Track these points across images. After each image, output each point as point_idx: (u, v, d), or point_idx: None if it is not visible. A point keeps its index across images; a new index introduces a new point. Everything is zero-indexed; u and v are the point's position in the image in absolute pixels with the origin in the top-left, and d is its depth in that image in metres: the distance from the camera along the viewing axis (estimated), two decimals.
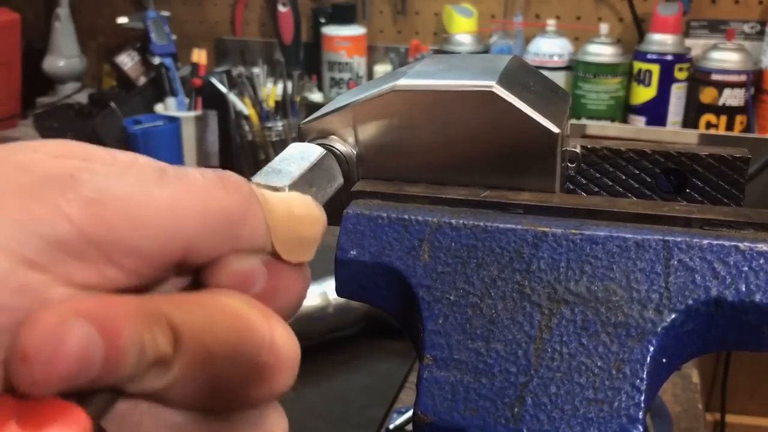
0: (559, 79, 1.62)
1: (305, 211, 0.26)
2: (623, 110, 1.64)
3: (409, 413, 0.82)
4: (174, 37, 1.82)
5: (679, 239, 0.31)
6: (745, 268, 0.30)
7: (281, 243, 0.25)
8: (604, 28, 1.61)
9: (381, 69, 1.78)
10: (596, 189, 0.39)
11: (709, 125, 1.56)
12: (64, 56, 1.88)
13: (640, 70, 1.59)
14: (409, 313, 0.34)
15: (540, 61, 1.63)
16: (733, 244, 0.31)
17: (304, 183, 0.32)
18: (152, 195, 0.23)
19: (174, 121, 1.71)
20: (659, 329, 0.30)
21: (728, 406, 1.37)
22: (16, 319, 0.20)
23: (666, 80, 1.57)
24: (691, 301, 0.30)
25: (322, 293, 0.94)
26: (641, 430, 0.29)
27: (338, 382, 0.91)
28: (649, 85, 1.58)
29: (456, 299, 0.32)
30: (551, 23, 1.65)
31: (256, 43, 1.91)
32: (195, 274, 0.25)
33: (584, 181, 0.39)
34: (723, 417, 1.38)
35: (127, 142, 1.64)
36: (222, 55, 1.93)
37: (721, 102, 1.55)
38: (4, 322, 0.21)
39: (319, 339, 0.97)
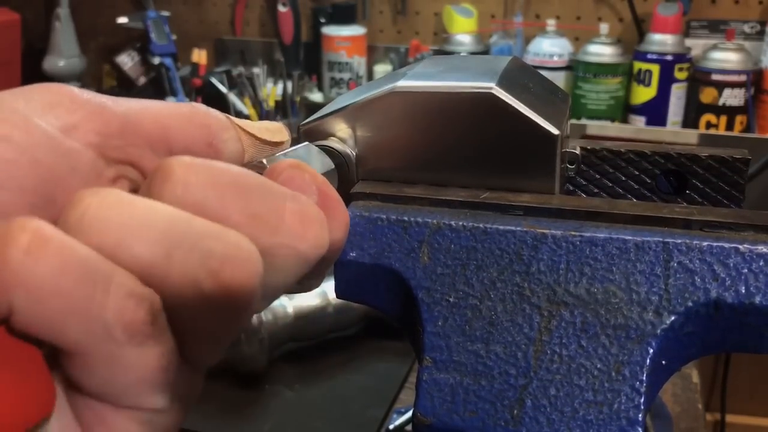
0: (559, 79, 1.62)
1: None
2: (623, 110, 1.64)
3: (409, 413, 0.82)
4: (174, 37, 1.82)
5: (678, 241, 0.31)
6: (745, 270, 0.30)
7: (250, 126, 0.30)
8: (604, 28, 1.61)
9: (381, 69, 1.78)
10: (596, 190, 0.39)
11: (709, 125, 1.56)
12: (64, 56, 1.88)
13: (640, 70, 1.59)
14: (409, 314, 0.34)
15: (540, 61, 1.63)
16: (733, 246, 0.31)
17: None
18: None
19: None
20: (659, 331, 0.30)
21: (728, 406, 1.37)
22: (28, 155, 0.23)
23: (666, 80, 1.57)
24: (690, 303, 0.30)
25: (322, 293, 0.94)
26: None
27: (338, 382, 0.91)
28: (649, 85, 1.58)
29: (455, 301, 0.32)
30: (551, 23, 1.65)
31: (256, 43, 1.92)
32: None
33: (584, 182, 0.39)
34: (723, 417, 1.38)
35: None
36: (222, 55, 1.93)
37: (721, 102, 1.55)
38: (17, 156, 0.23)
39: (319, 339, 0.97)
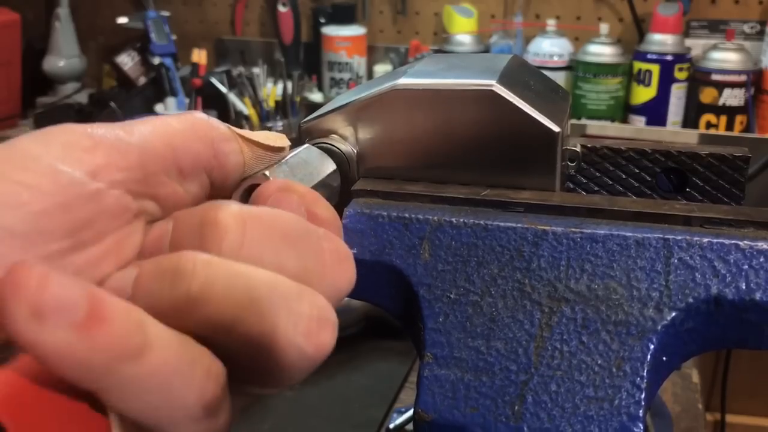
0: (559, 79, 1.62)
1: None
2: (623, 110, 1.64)
3: (409, 413, 0.82)
4: (174, 37, 1.82)
5: (679, 237, 0.31)
6: (745, 267, 0.30)
7: (252, 135, 0.30)
8: (604, 28, 1.61)
9: (381, 69, 1.78)
10: (596, 188, 0.39)
11: (709, 125, 1.56)
12: (64, 56, 1.88)
13: (640, 70, 1.59)
14: (410, 311, 0.34)
15: (540, 61, 1.63)
16: (733, 242, 0.31)
17: (277, 172, 0.32)
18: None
19: None
20: (659, 327, 0.30)
21: (728, 406, 1.37)
22: (56, 201, 0.23)
23: (666, 80, 1.57)
24: (691, 300, 0.31)
25: None
26: (641, 428, 0.30)
27: (338, 382, 0.91)
28: (649, 85, 1.58)
29: (456, 297, 0.32)
30: (551, 23, 1.66)
31: (256, 43, 1.92)
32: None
33: (584, 180, 0.39)
34: (723, 417, 1.38)
35: None
36: (222, 55, 1.93)
37: (721, 102, 1.55)
38: (46, 205, 0.23)
39: None
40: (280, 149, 0.32)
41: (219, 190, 0.30)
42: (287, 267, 0.25)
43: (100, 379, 0.20)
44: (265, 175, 0.31)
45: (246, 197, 0.30)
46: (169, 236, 0.25)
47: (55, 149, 0.25)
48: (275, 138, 0.32)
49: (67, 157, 0.25)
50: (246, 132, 0.31)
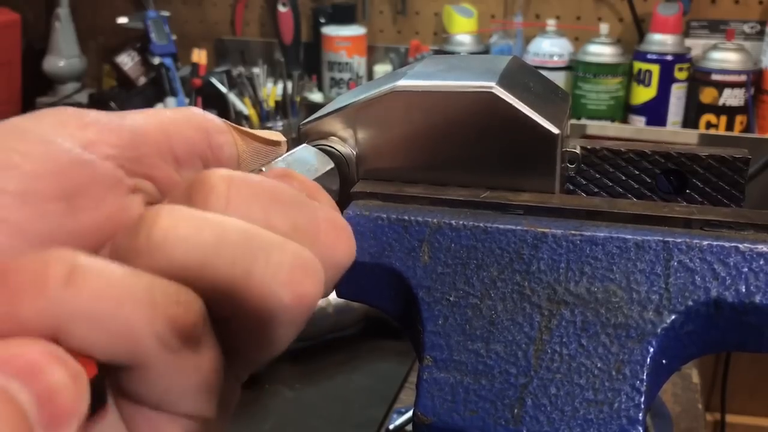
0: (559, 79, 1.62)
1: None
2: (623, 110, 1.64)
3: (409, 413, 0.82)
4: (174, 37, 1.82)
5: (679, 240, 0.31)
6: (745, 269, 0.30)
7: (246, 130, 0.31)
8: (604, 28, 1.61)
9: (381, 69, 1.78)
10: (596, 190, 0.39)
11: (709, 125, 1.56)
12: (64, 56, 1.88)
13: (640, 70, 1.59)
14: (409, 314, 0.34)
15: (540, 61, 1.63)
16: (733, 245, 0.31)
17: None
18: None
19: None
20: (659, 330, 0.30)
21: (728, 406, 1.37)
22: (48, 167, 0.23)
23: (666, 80, 1.57)
24: (691, 302, 0.30)
25: None
26: (641, 431, 0.29)
27: (338, 382, 0.91)
28: (649, 85, 1.58)
29: (456, 300, 0.32)
30: (551, 23, 1.66)
31: (256, 43, 1.92)
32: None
33: (584, 182, 0.39)
34: (723, 417, 1.38)
35: None
36: (222, 55, 1.93)
37: (721, 102, 1.55)
38: (38, 168, 0.23)
39: (319, 339, 0.97)
40: (275, 143, 0.32)
41: None
42: (275, 225, 0.24)
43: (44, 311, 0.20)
44: (261, 170, 0.31)
45: None
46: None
47: (47, 124, 0.25)
48: (270, 134, 0.32)
49: (59, 131, 0.25)
50: (241, 127, 0.31)
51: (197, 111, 0.29)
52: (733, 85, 1.53)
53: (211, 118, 0.30)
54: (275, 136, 0.32)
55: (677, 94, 1.58)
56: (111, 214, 0.25)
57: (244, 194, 0.24)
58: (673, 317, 0.30)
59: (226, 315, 0.24)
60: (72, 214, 0.24)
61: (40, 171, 0.23)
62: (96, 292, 0.21)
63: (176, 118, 0.28)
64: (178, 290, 0.22)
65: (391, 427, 0.82)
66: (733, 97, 1.54)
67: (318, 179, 0.34)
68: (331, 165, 0.35)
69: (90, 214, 0.25)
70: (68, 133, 0.25)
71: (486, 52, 1.69)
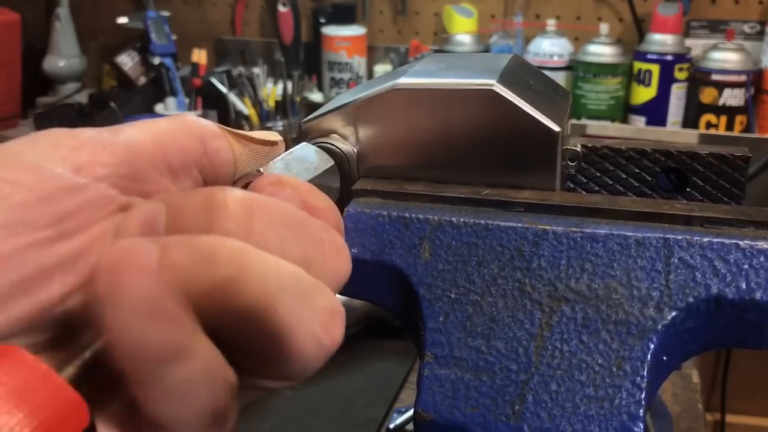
0: (559, 79, 1.62)
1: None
2: (623, 110, 1.64)
3: (409, 413, 0.82)
4: (174, 37, 1.82)
5: (679, 237, 0.31)
6: (746, 266, 0.30)
7: (242, 133, 0.31)
8: (604, 28, 1.61)
9: (381, 69, 1.78)
10: (596, 187, 0.39)
11: (709, 125, 1.56)
12: (64, 56, 1.88)
13: (640, 70, 1.59)
14: (410, 311, 0.34)
15: (540, 61, 1.63)
16: (733, 242, 0.31)
17: (271, 168, 0.32)
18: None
19: None
20: (660, 327, 0.30)
21: (728, 406, 1.37)
22: (37, 195, 0.24)
23: (666, 80, 1.57)
24: (691, 299, 0.31)
25: None
26: (642, 427, 0.30)
27: (338, 382, 0.91)
28: (649, 85, 1.58)
29: (457, 297, 0.32)
30: (551, 23, 1.66)
31: (256, 43, 1.92)
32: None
33: (584, 180, 0.39)
34: (723, 417, 1.38)
35: None
36: (222, 55, 1.93)
37: (721, 102, 1.55)
38: (27, 197, 0.24)
39: None
40: (272, 143, 0.32)
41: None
42: (292, 255, 0.25)
43: (147, 376, 0.21)
44: (259, 172, 0.31)
45: None
46: (163, 217, 0.25)
47: (40, 148, 0.25)
48: (266, 134, 0.32)
49: (52, 155, 0.25)
50: (236, 130, 0.31)
51: (191, 118, 0.29)
52: (733, 85, 1.53)
53: (205, 123, 0.30)
54: (271, 136, 0.32)
55: (677, 94, 1.58)
56: (100, 234, 0.25)
57: (264, 223, 0.25)
58: (673, 314, 0.30)
59: (258, 356, 0.24)
60: (60, 240, 0.24)
61: (31, 200, 0.24)
62: (199, 372, 0.22)
63: (170, 128, 0.28)
64: (228, 370, 0.23)
65: (392, 426, 0.82)
66: (733, 97, 1.54)
67: (318, 177, 0.34)
68: (331, 163, 0.35)
69: (78, 238, 0.25)
70: (60, 156, 0.25)
71: (486, 52, 1.69)
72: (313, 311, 0.24)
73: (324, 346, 0.24)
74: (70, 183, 0.25)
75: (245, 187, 0.30)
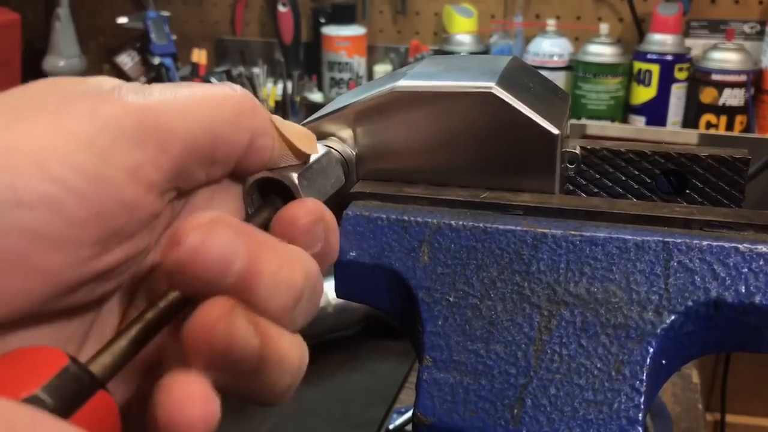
0: (559, 79, 1.62)
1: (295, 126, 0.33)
2: (623, 110, 1.64)
3: (409, 413, 0.82)
4: (174, 37, 1.82)
5: (678, 240, 0.31)
6: (745, 270, 0.30)
7: (287, 132, 0.31)
8: (604, 28, 1.61)
9: (381, 69, 1.78)
10: (596, 190, 0.39)
11: (709, 125, 1.56)
12: (64, 56, 1.88)
13: (640, 70, 1.59)
14: (409, 314, 0.34)
15: (540, 61, 1.63)
16: (732, 245, 0.31)
17: (301, 179, 0.32)
18: (179, 92, 0.27)
19: None
20: (659, 331, 0.30)
21: (728, 406, 1.37)
22: (94, 211, 0.24)
23: (666, 80, 1.57)
24: (690, 303, 0.30)
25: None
26: (641, 431, 0.29)
27: (338, 382, 0.91)
28: (649, 85, 1.58)
29: (455, 300, 0.32)
30: (551, 23, 1.65)
31: (256, 43, 1.91)
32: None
33: (584, 182, 0.39)
34: (723, 417, 1.38)
35: None
36: (222, 55, 1.93)
37: (721, 102, 1.55)
38: (85, 213, 0.24)
39: (319, 339, 0.97)
40: (306, 155, 0.32)
41: (235, 176, 0.30)
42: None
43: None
44: (291, 177, 0.31)
45: (258, 187, 0.31)
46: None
47: (106, 136, 0.25)
48: (307, 141, 0.32)
49: (116, 149, 0.25)
50: (285, 126, 0.31)
51: (247, 105, 0.29)
52: (733, 85, 1.53)
53: (261, 116, 0.29)
54: (308, 146, 0.32)
55: (677, 94, 1.58)
56: (138, 249, 0.26)
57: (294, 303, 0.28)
58: (672, 317, 0.30)
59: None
60: (101, 257, 0.25)
61: (85, 217, 0.24)
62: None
63: (225, 119, 0.28)
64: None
65: (391, 427, 0.82)
66: (733, 97, 1.54)
67: (331, 194, 0.34)
68: (343, 180, 0.35)
69: (117, 254, 0.25)
70: (123, 154, 0.25)
71: (486, 52, 1.69)
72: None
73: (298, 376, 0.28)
74: (124, 198, 0.25)
75: (265, 180, 0.31)
